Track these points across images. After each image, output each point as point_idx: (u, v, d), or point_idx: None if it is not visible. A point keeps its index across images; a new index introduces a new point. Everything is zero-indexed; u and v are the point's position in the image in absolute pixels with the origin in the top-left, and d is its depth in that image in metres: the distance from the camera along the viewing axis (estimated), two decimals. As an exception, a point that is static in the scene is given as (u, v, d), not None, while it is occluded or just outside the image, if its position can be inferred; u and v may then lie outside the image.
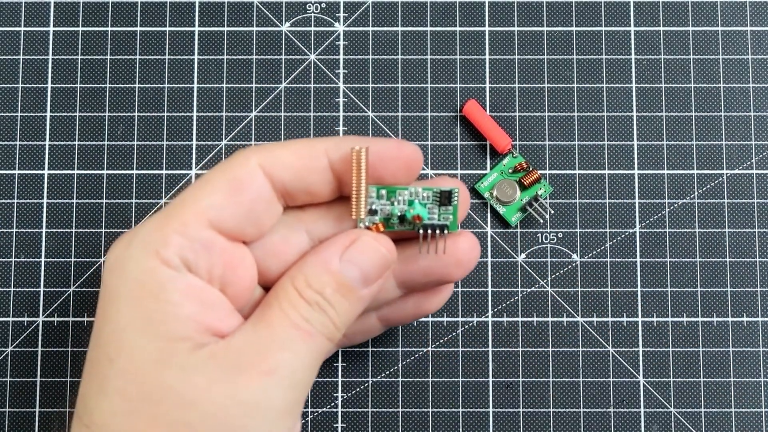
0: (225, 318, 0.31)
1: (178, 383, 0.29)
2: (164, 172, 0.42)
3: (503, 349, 0.41)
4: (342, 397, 0.41)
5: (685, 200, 0.42)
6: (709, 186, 0.42)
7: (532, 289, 0.42)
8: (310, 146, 0.32)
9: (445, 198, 0.33)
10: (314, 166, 0.32)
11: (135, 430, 0.29)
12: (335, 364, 0.41)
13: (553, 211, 0.42)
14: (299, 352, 0.30)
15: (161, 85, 0.43)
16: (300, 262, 0.32)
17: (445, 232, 0.33)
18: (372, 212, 0.33)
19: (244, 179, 0.31)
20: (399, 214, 0.33)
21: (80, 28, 0.43)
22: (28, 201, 0.42)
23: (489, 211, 0.42)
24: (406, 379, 0.41)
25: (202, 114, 0.43)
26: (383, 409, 0.41)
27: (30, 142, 0.42)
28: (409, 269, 0.35)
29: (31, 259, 0.42)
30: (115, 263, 0.31)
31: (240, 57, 0.43)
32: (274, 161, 0.32)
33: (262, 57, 0.43)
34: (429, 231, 0.33)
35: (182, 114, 0.43)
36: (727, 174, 0.42)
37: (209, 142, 0.42)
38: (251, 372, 0.30)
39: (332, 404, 0.41)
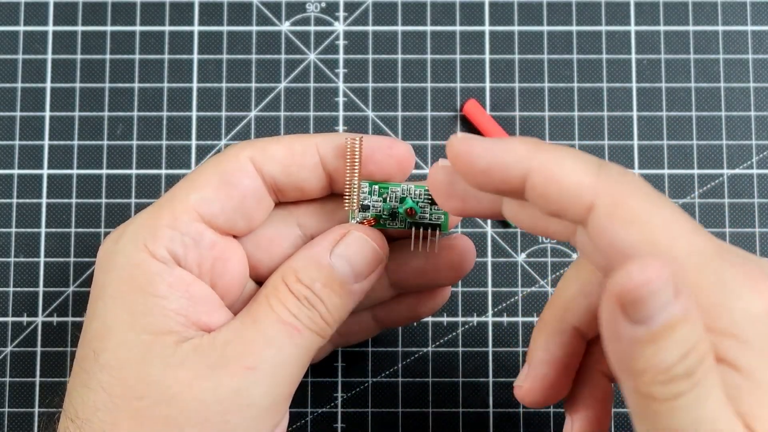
0: (213, 312, 0.31)
1: (161, 377, 0.29)
2: (164, 171, 0.42)
3: (503, 349, 0.41)
4: (342, 397, 0.41)
5: (685, 200, 0.42)
6: (709, 186, 0.42)
7: (532, 289, 0.42)
8: (302, 141, 0.32)
9: None
10: (305, 161, 0.32)
11: (117, 426, 0.29)
12: (335, 364, 0.41)
13: (553, 211, 0.42)
14: (284, 348, 0.30)
15: (160, 85, 0.43)
16: (291, 257, 0.32)
17: (438, 231, 0.33)
18: (364, 207, 0.33)
19: (235, 173, 0.31)
20: (391, 210, 0.33)
21: (79, 28, 0.43)
22: (27, 201, 0.42)
23: (489, 210, 0.42)
24: (406, 379, 0.41)
25: (202, 113, 0.43)
26: (383, 409, 0.41)
27: (29, 142, 0.42)
28: (402, 269, 0.34)
29: (30, 259, 0.41)
30: (104, 258, 0.31)
31: (239, 56, 0.43)
32: (265, 156, 0.31)
33: (261, 56, 0.43)
34: (421, 229, 0.33)
35: (181, 113, 0.42)
36: (727, 173, 0.42)
37: (209, 142, 0.42)
38: (233, 367, 0.29)
39: (332, 404, 0.41)
